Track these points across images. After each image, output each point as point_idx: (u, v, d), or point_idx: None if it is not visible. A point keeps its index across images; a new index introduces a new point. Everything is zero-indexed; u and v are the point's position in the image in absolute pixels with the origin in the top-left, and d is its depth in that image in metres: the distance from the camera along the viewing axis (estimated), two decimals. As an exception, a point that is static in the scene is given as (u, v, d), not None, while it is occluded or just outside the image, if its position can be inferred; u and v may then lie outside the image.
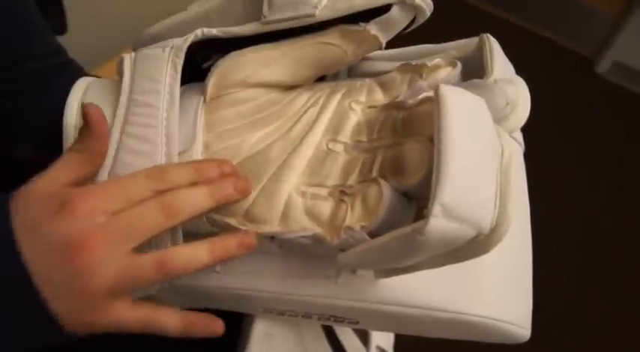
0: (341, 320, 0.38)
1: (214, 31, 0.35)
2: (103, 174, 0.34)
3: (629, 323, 1.17)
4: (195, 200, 0.31)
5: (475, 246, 0.27)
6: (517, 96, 0.32)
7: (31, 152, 0.45)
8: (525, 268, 0.39)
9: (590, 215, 1.34)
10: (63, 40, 0.48)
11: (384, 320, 0.37)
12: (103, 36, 0.83)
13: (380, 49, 0.36)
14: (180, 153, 0.34)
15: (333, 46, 0.34)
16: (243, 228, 0.34)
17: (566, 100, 1.54)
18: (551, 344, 0.99)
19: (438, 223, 0.26)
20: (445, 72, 0.34)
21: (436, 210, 0.25)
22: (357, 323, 0.38)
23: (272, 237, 0.35)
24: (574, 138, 1.48)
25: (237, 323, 0.44)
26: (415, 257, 0.29)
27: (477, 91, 0.30)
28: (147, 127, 0.34)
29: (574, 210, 1.34)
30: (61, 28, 0.63)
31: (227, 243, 0.32)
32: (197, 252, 0.31)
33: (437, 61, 0.35)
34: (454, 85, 0.32)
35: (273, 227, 0.33)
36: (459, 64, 0.34)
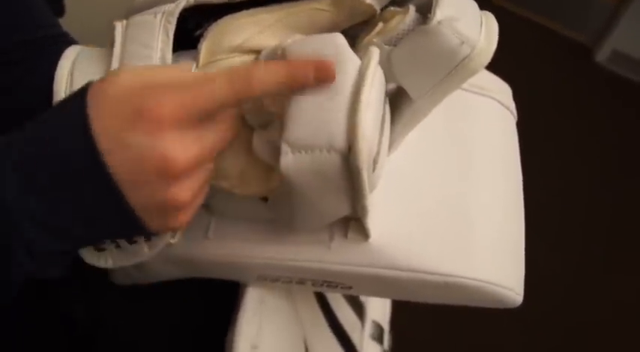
0: (334, 286, 0.38)
1: (207, -4, 0.35)
2: None
3: (628, 309, 1.18)
4: (271, 78, 0.29)
5: (347, 166, 0.28)
6: (472, 31, 0.30)
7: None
8: (517, 234, 0.39)
9: (589, 203, 1.34)
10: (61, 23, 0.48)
11: (376, 285, 0.37)
12: (101, 19, 0.83)
13: (375, 15, 0.35)
14: None
15: (326, 12, 0.34)
16: (237, 190, 0.34)
17: (565, 89, 1.53)
18: (550, 329, 0.99)
19: (288, 160, 0.28)
20: (397, 20, 0.33)
21: (284, 148, 0.29)
22: (350, 288, 0.38)
23: (265, 199, 0.35)
24: (573, 126, 1.48)
25: (233, 295, 0.44)
26: (310, 196, 0.30)
27: (421, 38, 0.30)
28: None
29: (573, 198, 1.34)
30: (59, 10, 0.63)
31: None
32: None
33: (391, 9, 0.34)
34: (410, 31, 0.32)
35: (265, 186, 0.33)
36: (412, 9, 0.33)
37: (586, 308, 1.16)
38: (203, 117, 0.29)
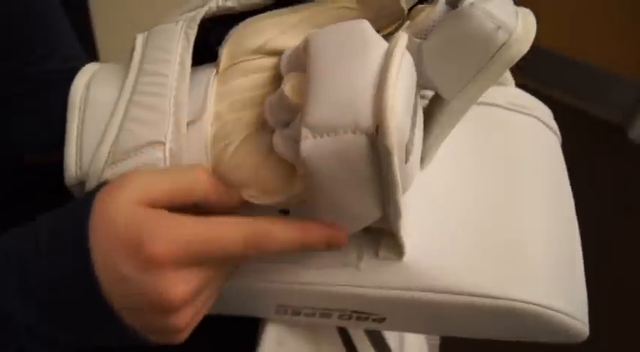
0: (365, 318, 0.33)
1: (229, 3, 0.34)
2: (104, 150, 0.32)
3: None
4: (284, 242, 0.28)
5: (376, 151, 0.25)
6: (508, 16, 0.28)
7: (42, 156, 0.43)
8: (576, 258, 0.34)
9: (630, 280, 1.25)
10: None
11: (414, 314, 0.32)
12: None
13: (402, 16, 0.34)
14: (189, 123, 0.32)
15: (352, 10, 0.33)
16: (255, 201, 0.30)
17: (600, 168, 1.50)
18: None
19: (308, 145, 0.26)
20: (426, 12, 0.31)
21: (304, 133, 0.26)
22: (383, 320, 0.33)
23: (286, 212, 0.32)
24: (612, 205, 1.42)
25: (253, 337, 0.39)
26: (334, 189, 0.27)
27: (454, 25, 0.28)
28: (155, 96, 0.32)
29: (616, 273, 1.25)
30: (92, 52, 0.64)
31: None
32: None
33: (418, 7, 0.33)
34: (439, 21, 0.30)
35: (287, 194, 0.30)
36: (441, 0, 0.31)
37: None
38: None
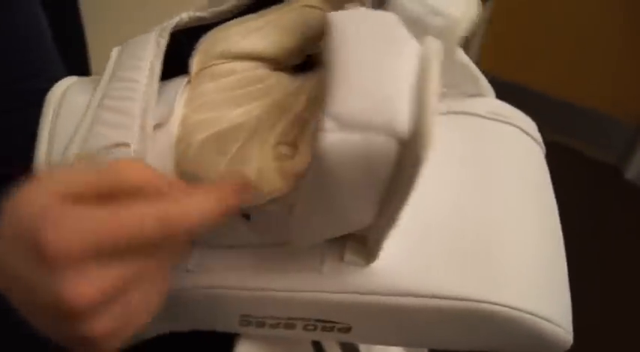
0: (330, 328, 0.32)
1: (199, 13, 0.35)
2: (73, 151, 0.32)
3: None
4: (202, 212, 0.25)
5: (404, 158, 0.23)
6: (441, 1, 0.27)
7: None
8: (559, 264, 0.33)
9: (629, 326, 1.22)
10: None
11: (380, 321, 0.31)
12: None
13: None
14: (157, 126, 0.32)
15: (316, 9, 0.33)
16: None
17: (596, 209, 1.49)
18: None
19: (332, 137, 0.22)
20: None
21: (328, 124, 0.23)
22: (349, 330, 0.32)
23: (244, 215, 0.31)
24: (607, 244, 1.40)
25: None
26: (341, 191, 0.24)
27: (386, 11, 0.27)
28: (125, 100, 0.33)
29: (614, 320, 1.23)
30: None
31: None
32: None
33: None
34: None
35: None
36: None
37: None
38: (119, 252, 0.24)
